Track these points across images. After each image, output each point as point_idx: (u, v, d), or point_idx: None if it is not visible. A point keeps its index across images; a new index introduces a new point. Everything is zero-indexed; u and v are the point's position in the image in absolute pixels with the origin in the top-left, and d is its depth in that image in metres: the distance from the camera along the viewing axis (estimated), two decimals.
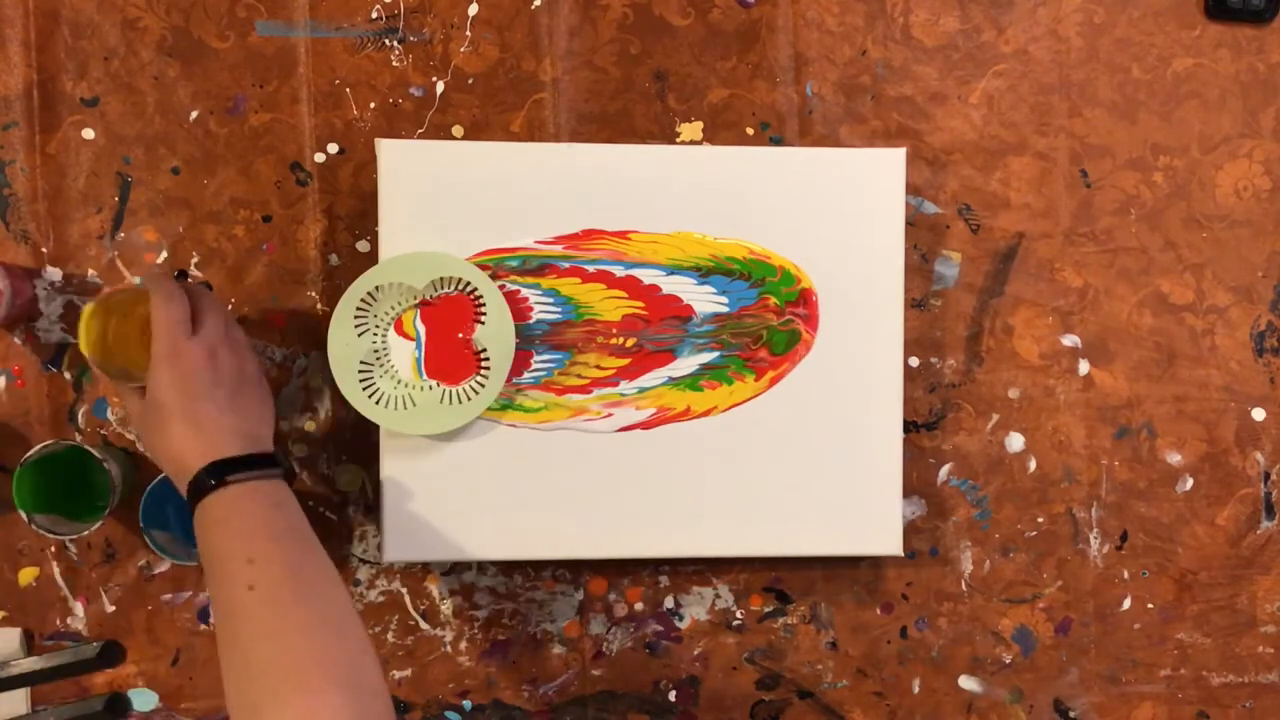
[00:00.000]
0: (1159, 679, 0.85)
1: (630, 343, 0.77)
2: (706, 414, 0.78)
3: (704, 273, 0.78)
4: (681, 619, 0.83)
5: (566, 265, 0.77)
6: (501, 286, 0.76)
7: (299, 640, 0.59)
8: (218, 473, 0.65)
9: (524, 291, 0.76)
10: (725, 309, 0.78)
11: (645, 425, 0.78)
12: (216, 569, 0.62)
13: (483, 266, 0.76)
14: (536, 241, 0.77)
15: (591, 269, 0.77)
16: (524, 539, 0.77)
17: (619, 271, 0.77)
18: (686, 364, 0.78)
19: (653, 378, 0.78)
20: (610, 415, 0.77)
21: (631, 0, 0.81)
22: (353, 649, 0.60)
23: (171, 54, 0.79)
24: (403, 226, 0.76)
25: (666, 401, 0.78)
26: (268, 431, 0.70)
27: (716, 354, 0.78)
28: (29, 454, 0.73)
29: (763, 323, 0.78)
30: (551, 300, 0.77)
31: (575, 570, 0.82)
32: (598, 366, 0.77)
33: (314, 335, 0.80)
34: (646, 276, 0.77)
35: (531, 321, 0.77)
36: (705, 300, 0.78)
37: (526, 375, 0.77)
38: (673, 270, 0.77)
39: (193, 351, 0.68)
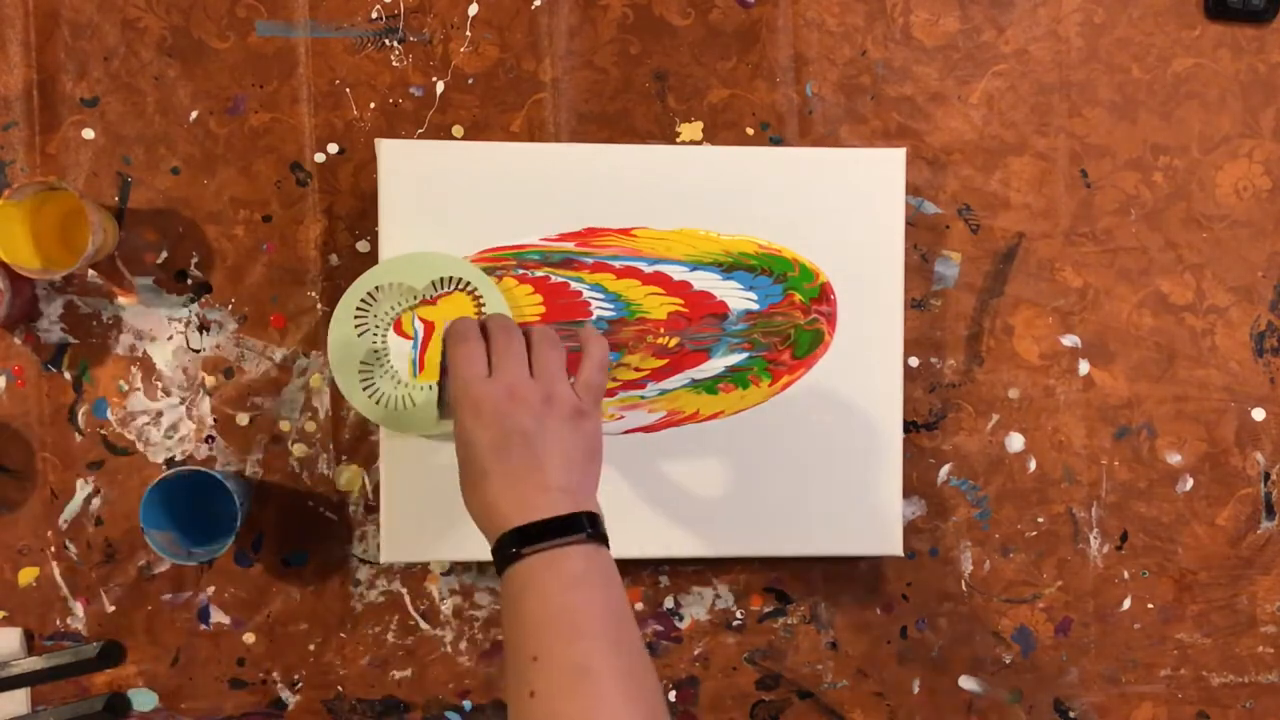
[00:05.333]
0: (1159, 679, 0.85)
1: (673, 342, 0.77)
2: (712, 418, 0.78)
3: (726, 268, 0.77)
4: (681, 619, 0.83)
5: (591, 261, 0.76)
6: (545, 278, 0.76)
7: None
8: (513, 542, 0.58)
9: (574, 285, 0.76)
10: (756, 305, 0.78)
11: (649, 429, 0.78)
12: (509, 656, 0.57)
13: (503, 261, 0.76)
14: (541, 239, 0.77)
15: (618, 265, 0.76)
16: None
17: (645, 268, 0.77)
18: (715, 365, 0.77)
19: (675, 380, 0.77)
20: (622, 418, 0.77)
21: (631, 0, 0.81)
22: None
23: (171, 54, 0.79)
24: (403, 226, 0.76)
25: (678, 405, 0.78)
26: (579, 480, 0.62)
27: (745, 355, 0.78)
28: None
29: (791, 321, 0.78)
30: (602, 296, 0.77)
31: None
32: (636, 369, 0.77)
33: (314, 335, 0.80)
34: (674, 273, 0.77)
35: (593, 319, 0.77)
36: (736, 296, 0.77)
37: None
38: (695, 266, 0.77)
39: (485, 395, 0.61)
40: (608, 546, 0.60)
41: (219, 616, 0.80)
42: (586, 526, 0.59)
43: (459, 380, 0.63)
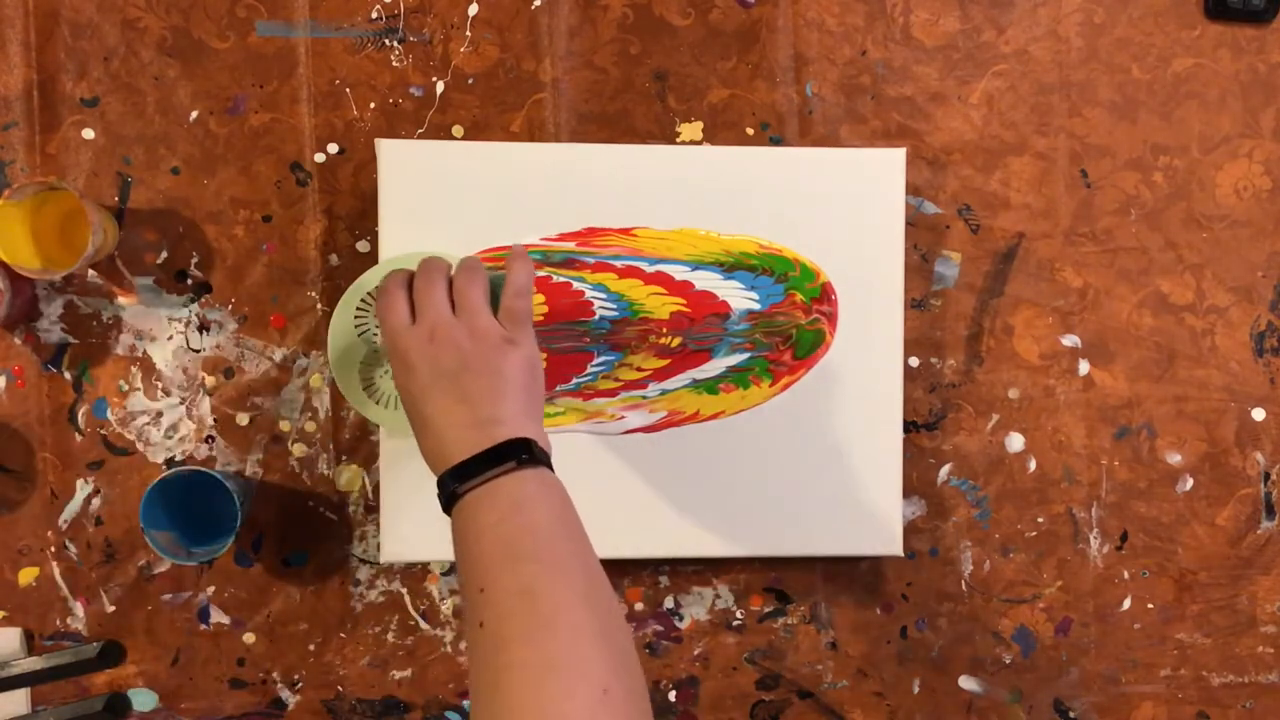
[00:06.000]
0: (1159, 679, 0.85)
1: (676, 342, 0.77)
2: (713, 418, 0.78)
3: (727, 268, 0.77)
4: (681, 619, 0.83)
5: (592, 260, 0.76)
6: (547, 278, 0.76)
7: (519, 681, 0.51)
8: (451, 481, 0.58)
9: (576, 285, 0.76)
10: (757, 305, 0.77)
11: (650, 429, 0.78)
12: (462, 596, 0.57)
13: (504, 261, 0.75)
14: (542, 239, 0.77)
15: (620, 264, 0.76)
16: None
17: (647, 267, 0.77)
18: (716, 365, 0.77)
19: (677, 380, 0.77)
20: (623, 418, 0.77)
21: (631, 0, 0.81)
22: (589, 679, 0.51)
23: (171, 54, 0.79)
24: (403, 226, 0.76)
25: (679, 405, 0.78)
26: (514, 408, 0.60)
27: (747, 355, 0.77)
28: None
29: (793, 321, 0.78)
30: (605, 295, 0.77)
31: None
32: (639, 369, 0.77)
33: (314, 335, 0.80)
34: (676, 273, 0.77)
35: (595, 319, 0.77)
36: (738, 296, 0.77)
37: (575, 380, 0.76)
38: (696, 265, 0.77)
39: (409, 343, 0.62)
40: (550, 468, 0.59)
41: (219, 616, 0.80)
42: (520, 453, 0.58)
43: (386, 333, 0.63)
